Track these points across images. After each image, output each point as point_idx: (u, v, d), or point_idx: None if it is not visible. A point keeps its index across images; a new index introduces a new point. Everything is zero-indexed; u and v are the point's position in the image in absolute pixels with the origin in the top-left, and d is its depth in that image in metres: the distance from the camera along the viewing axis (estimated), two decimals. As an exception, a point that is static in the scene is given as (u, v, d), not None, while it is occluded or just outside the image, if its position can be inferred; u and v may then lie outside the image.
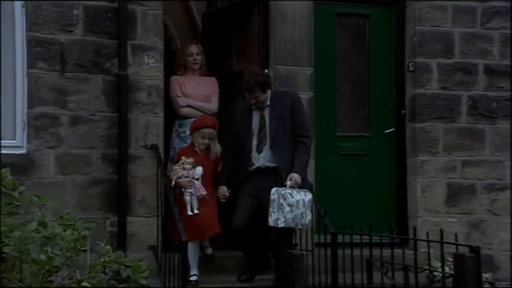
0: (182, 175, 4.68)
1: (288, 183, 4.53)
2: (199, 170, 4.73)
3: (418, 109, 5.81)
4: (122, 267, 2.48)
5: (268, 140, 4.71)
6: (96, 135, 4.85)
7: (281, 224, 4.41)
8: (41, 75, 4.72)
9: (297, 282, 4.32)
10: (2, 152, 4.50)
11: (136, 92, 4.98)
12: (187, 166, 4.70)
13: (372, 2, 6.01)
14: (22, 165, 4.60)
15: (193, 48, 5.62)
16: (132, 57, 4.97)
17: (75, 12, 4.80)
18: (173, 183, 4.67)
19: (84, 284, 2.29)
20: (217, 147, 4.94)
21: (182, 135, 5.49)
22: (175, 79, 5.57)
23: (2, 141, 4.67)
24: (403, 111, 5.94)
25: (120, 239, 4.77)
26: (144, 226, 4.89)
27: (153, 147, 4.95)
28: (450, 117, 5.86)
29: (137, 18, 4.98)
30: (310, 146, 4.81)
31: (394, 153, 5.96)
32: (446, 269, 3.76)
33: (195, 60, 5.58)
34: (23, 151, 4.71)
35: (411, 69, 5.87)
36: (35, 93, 4.72)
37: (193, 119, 5.41)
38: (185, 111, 5.44)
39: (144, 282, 2.64)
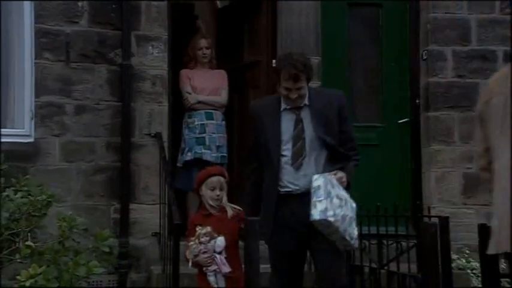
0: (199, 251, 3.65)
1: (333, 176, 3.25)
2: (220, 240, 3.65)
3: (431, 98, 5.66)
4: (75, 230, 2.49)
5: (310, 152, 3.38)
6: (101, 123, 4.96)
7: (331, 218, 3.11)
8: (47, 66, 4.88)
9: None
10: (12, 140, 4.70)
11: (141, 82, 5.06)
12: (203, 239, 3.66)
13: (385, -9, 5.92)
14: (29, 153, 4.76)
15: (203, 42, 5.72)
16: (136, 48, 5.06)
17: (80, 4, 4.95)
18: (190, 264, 3.72)
19: (28, 243, 2.33)
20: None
21: (191, 125, 5.57)
22: (184, 73, 5.67)
23: (12, 129, 4.88)
24: (417, 101, 5.81)
25: (123, 226, 4.84)
26: (148, 213, 4.95)
27: (157, 136, 5.01)
28: (466, 105, 5.67)
29: (141, 9, 5.08)
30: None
31: (409, 143, 5.83)
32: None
33: (204, 54, 5.68)
34: (31, 139, 4.86)
35: (425, 57, 5.74)
36: (40, 83, 4.87)
37: (202, 111, 5.49)
38: (195, 106, 5.54)
39: (106, 249, 2.66)
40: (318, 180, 3.17)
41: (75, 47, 4.93)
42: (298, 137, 3.38)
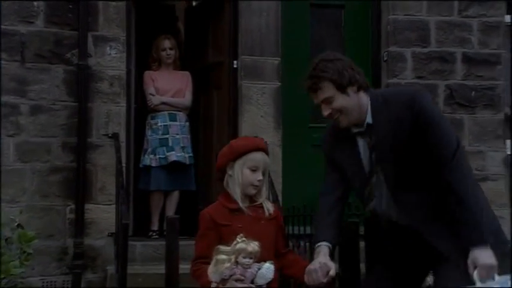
0: (232, 275, 2.49)
1: (476, 275, 2.36)
2: (267, 269, 2.53)
3: (391, 99, 5.69)
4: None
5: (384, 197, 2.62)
6: (57, 124, 4.95)
7: None
8: (2, 66, 4.85)
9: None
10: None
11: (98, 82, 5.06)
12: (246, 260, 2.50)
13: (347, -8, 5.95)
14: (-17, 154, 4.74)
15: (166, 43, 5.78)
16: (94, 48, 5.06)
17: (35, 3, 4.92)
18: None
19: None
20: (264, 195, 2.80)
21: (154, 127, 5.61)
22: (148, 74, 5.72)
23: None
24: (378, 102, 5.83)
25: (78, 226, 4.83)
26: (104, 213, 4.95)
27: (114, 137, 5.01)
28: (426, 107, 5.72)
29: (99, 10, 5.07)
30: (465, 177, 2.47)
31: (370, 144, 5.86)
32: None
33: (168, 54, 5.75)
34: (-15, 140, 4.84)
35: (385, 59, 5.78)
36: (-5, 83, 4.86)
37: (166, 113, 5.51)
38: (159, 107, 5.57)
39: (30, 250, 2.65)
40: None
41: (31, 47, 4.91)
42: (371, 175, 2.63)
